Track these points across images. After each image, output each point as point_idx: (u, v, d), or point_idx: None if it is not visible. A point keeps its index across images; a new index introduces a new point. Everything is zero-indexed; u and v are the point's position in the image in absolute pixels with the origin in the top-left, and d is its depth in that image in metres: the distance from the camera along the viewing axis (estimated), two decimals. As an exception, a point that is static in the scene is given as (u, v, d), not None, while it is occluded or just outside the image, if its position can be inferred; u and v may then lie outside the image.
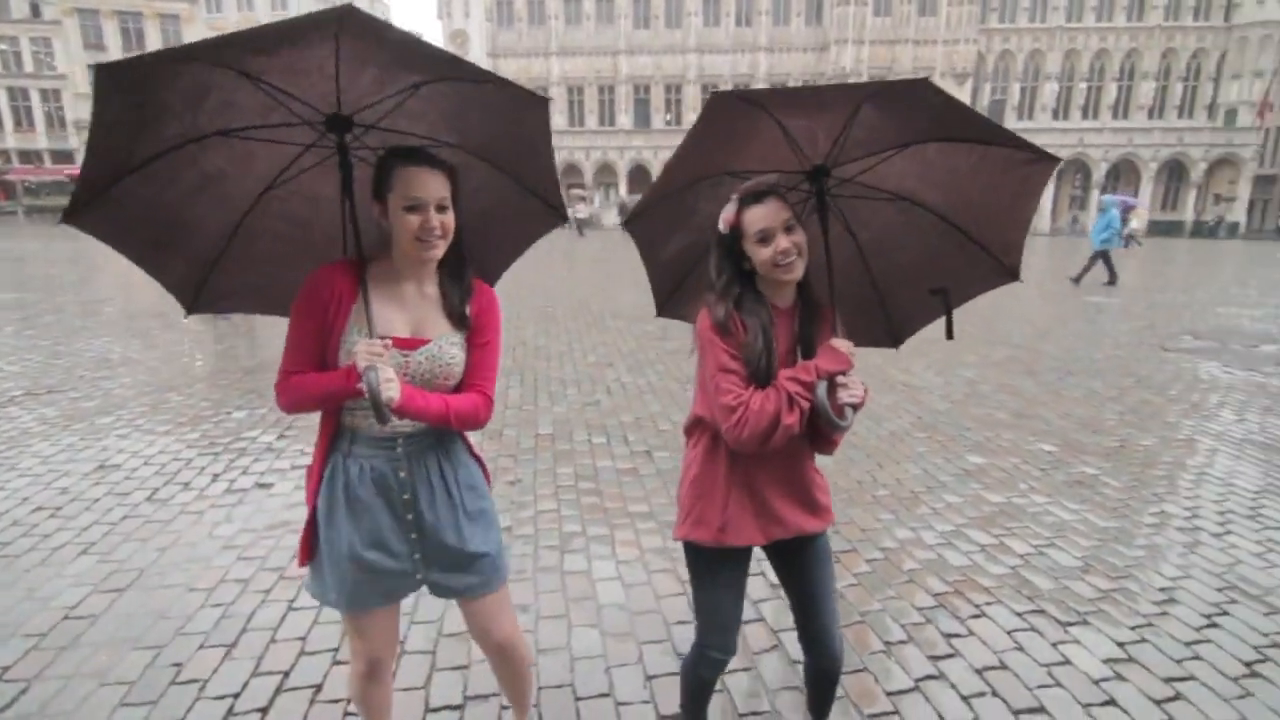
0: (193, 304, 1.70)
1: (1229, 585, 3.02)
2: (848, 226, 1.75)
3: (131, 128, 1.36)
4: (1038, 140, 1.63)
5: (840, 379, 1.53)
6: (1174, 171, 42.19)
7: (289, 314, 1.80)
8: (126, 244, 1.56)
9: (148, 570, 3.00)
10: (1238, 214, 41.27)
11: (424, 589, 1.67)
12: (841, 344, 1.55)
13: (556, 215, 1.81)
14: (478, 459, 1.74)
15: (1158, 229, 40.80)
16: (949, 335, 1.66)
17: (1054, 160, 1.61)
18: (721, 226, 1.59)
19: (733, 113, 1.47)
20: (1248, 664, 2.49)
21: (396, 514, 1.58)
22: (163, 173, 1.45)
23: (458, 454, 1.67)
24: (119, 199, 1.44)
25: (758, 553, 1.78)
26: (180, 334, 8.23)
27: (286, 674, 2.36)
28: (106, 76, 1.24)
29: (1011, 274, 1.77)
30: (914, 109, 1.53)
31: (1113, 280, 14.34)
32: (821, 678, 1.82)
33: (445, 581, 1.65)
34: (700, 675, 1.82)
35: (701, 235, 1.71)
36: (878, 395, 5.75)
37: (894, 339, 1.96)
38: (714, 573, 1.72)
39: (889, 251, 1.81)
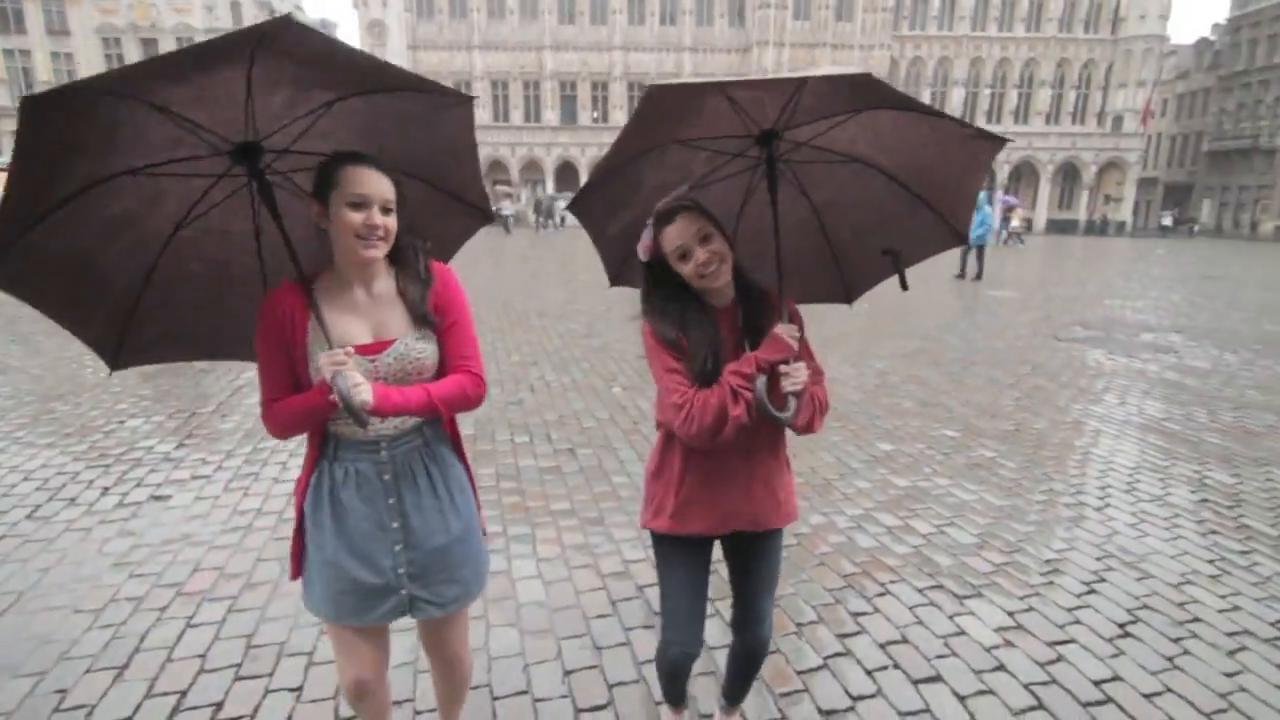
0: (115, 359, 1.60)
1: (1107, 555, 3.28)
2: (802, 188, 1.78)
3: (46, 168, 1.25)
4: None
5: (783, 368, 1.54)
6: (1068, 174, 45.27)
7: (221, 358, 1.75)
8: (44, 301, 1.46)
9: (27, 593, 2.79)
10: (1124, 213, 44.68)
11: (405, 618, 1.62)
12: (785, 330, 1.54)
13: (480, 216, 1.79)
14: (465, 465, 1.71)
15: (1055, 227, 43.76)
16: (904, 288, 1.76)
17: (1001, 140, 1.65)
18: (643, 255, 1.59)
19: (677, 97, 1.45)
20: (1121, 625, 2.72)
21: (382, 522, 1.55)
22: (73, 219, 1.35)
23: (444, 456, 1.64)
24: (31, 250, 1.33)
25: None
26: (69, 338, 7.62)
27: (184, 694, 2.25)
28: (33, 109, 1.11)
29: (960, 238, 1.84)
30: (859, 89, 1.53)
31: (962, 275, 14.83)
32: (749, 658, 1.88)
33: (429, 596, 1.61)
34: (666, 666, 1.85)
35: (648, 207, 1.67)
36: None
37: (847, 295, 2.01)
38: (672, 564, 1.74)
39: (843, 212, 1.84)
